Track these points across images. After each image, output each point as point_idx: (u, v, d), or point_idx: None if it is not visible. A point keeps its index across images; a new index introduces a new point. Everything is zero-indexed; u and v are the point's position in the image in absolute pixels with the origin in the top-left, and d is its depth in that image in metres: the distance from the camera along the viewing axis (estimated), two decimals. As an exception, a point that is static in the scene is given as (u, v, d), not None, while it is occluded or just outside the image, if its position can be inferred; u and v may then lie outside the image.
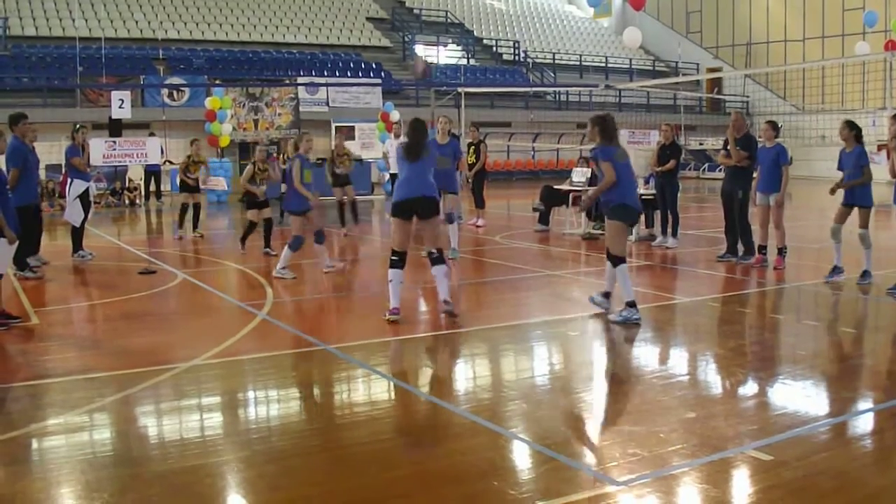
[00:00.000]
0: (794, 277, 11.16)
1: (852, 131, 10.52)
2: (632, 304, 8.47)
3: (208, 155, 26.45)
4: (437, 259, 8.50)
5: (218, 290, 10.63)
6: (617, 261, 8.50)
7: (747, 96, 40.51)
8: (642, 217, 15.05)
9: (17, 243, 8.66)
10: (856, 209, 10.47)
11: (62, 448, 5.31)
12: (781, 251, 11.59)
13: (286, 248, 11.12)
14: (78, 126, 13.34)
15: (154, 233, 18.61)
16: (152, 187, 24.71)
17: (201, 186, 16.56)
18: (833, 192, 10.63)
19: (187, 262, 13.13)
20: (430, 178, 8.64)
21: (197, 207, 16.15)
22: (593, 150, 8.89)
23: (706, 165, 37.90)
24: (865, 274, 10.46)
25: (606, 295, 8.88)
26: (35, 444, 5.44)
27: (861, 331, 8.64)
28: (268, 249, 13.23)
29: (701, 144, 37.62)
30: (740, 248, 12.23)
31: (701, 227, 17.43)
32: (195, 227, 16.06)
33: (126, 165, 23.78)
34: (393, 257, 8.48)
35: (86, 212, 12.94)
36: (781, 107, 36.84)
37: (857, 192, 10.47)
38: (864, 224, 10.46)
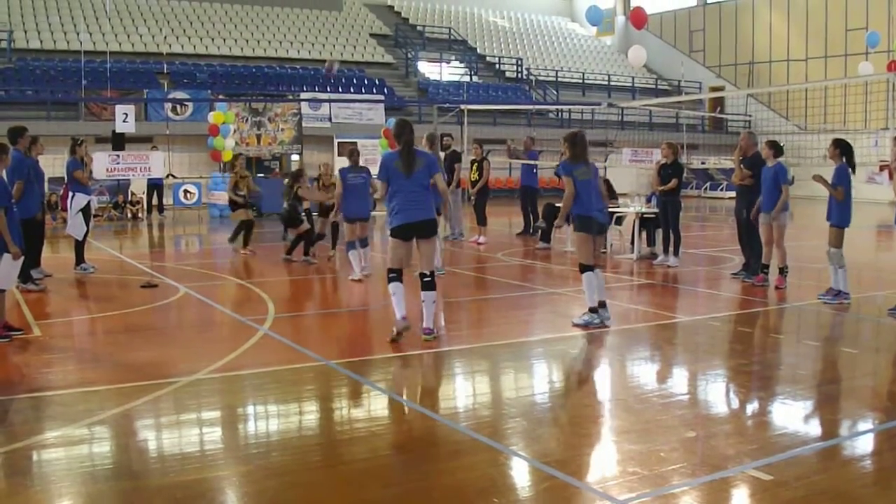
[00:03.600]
0: (795, 297, 11.16)
1: (837, 149, 10.62)
2: (593, 310, 9.04)
3: (211, 170, 26.62)
4: (429, 283, 8.39)
5: (220, 305, 10.65)
6: (583, 268, 9.06)
7: (750, 116, 40.55)
8: (644, 235, 15.14)
9: (22, 258, 8.66)
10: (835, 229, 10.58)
11: (63, 461, 5.31)
12: (783, 271, 11.61)
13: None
14: (80, 140, 13.37)
15: (156, 246, 18.63)
16: (154, 201, 24.74)
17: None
18: (815, 178, 10.71)
19: (188, 276, 13.14)
20: (429, 195, 8.48)
21: (250, 224, 15.50)
22: (558, 166, 9.29)
23: (708, 184, 37.98)
24: (837, 293, 10.52)
25: (602, 305, 9.21)
26: (36, 457, 5.44)
27: (862, 351, 8.64)
28: (307, 258, 14.04)
29: (703, 163, 37.64)
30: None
31: (703, 245, 17.46)
32: (245, 244, 15.37)
33: (129, 179, 23.83)
34: (390, 274, 8.44)
35: (87, 225, 12.97)
36: (784, 126, 36.85)
37: (831, 211, 10.59)
38: (835, 243, 10.55)
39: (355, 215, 12.40)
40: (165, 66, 30.56)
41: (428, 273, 8.41)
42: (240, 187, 15.69)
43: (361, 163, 12.70)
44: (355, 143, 12.98)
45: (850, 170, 10.53)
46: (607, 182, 16.47)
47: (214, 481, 5.00)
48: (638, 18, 25.92)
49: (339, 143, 29.78)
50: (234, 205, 15.90)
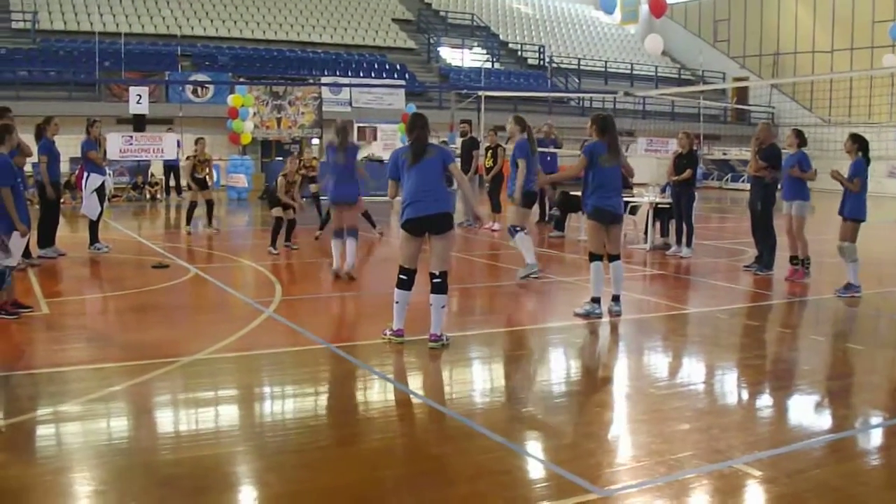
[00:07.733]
0: (808, 291, 11.07)
1: (855, 143, 10.58)
2: (596, 300, 9.06)
3: (230, 152, 26.69)
4: (439, 285, 7.60)
5: (228, 286, 10.69)
6: (591, 257, 9.10)
7: (773, 107, 40.22)
8: (658, 225, 15.05)
9: (28, 236, 8.71)
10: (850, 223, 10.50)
11: (67, 435, 5.39)
12: (803, 262, 11.53)
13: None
14: (93, 120, 13.44)
15: (172, 227, 18.72)
16: (171, 182, 24.83)
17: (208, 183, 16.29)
18: (832, 174, 10.61)
19: (201, 258, 13.20)
20: (443, 186, 7.82)
21: (210, 204, 15.92)
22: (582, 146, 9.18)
23: (729, 175, 37.69)
24: (848, 286, 10.44)
25: (614, 298, 9.15)
26: (40, 431, 5.52)
27: (867, 347, 8.54)
28: (288, 244, 13.64)
29: (724, 154, 37.34)
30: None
31: (718, 237, 17.35)
32: (209, 223, 15.88)
33: (148, 161, 23.88)
34: (401, 276, 7.70)
35: (101, 205, 13.05)
36: (807, 118, 36.49)
37: (847, 205, 10.51)
38: (852, 238, 10.48)
39: (338, 198, 11.31)
40: (187, 48, 30.64)
41: (438, 273, 7.63)
42: (197, 171, 16.05)
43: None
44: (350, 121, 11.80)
45: (866, 164, 10.50)
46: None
47: (209, 459, 5.02)
48: (657, 7, 25.71)
49: (358, 127, 29.79)
50: (190, 186, 16.26)
